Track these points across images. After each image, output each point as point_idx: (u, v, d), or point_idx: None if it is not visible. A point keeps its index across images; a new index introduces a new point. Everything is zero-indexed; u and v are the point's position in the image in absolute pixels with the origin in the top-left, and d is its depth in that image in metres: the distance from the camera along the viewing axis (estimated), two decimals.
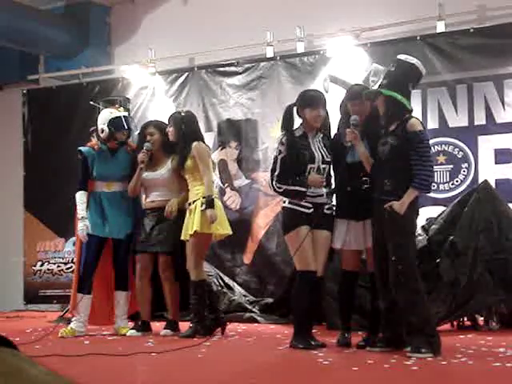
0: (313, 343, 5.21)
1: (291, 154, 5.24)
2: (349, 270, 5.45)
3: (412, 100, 7.43)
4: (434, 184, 5.09)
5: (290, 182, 5.23)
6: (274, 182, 5.29)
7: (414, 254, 5.02)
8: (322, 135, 5.39)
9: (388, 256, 4.89)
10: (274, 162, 5.33)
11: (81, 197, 6.48)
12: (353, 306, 5.54)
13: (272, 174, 5.31)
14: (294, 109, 5.43)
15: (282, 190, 5.28)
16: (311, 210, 5.23)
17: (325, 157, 5.31)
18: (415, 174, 4.87)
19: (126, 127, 6.55)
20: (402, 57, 5.11)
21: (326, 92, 6.10)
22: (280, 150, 5.29)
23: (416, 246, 5.23)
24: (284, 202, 5.37)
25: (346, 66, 7.93)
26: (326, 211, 5.30)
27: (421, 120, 5.38)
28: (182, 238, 6.09)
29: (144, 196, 6.61)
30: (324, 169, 5.32)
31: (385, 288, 5.04)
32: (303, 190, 5.20)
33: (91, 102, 7.31)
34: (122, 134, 6.52)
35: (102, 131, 6.47)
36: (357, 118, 5.23)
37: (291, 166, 5.25)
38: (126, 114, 6.72)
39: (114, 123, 6.47)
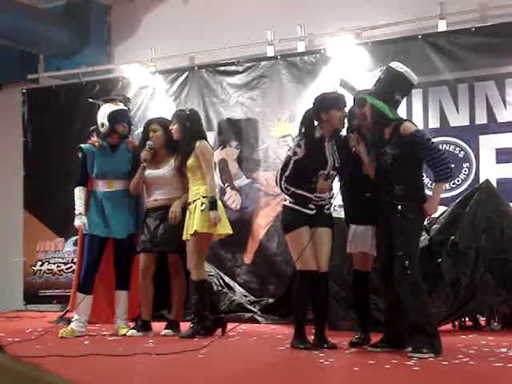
0: (325, 346, 5.18)
1: (309, 158, 5.19)
2: (360, 269, 5.46)
3: (413, 99, 7.49)
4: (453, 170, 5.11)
5: (298, 186, 5.19)
6: (282, 182, 5.21)
7: (418, 253, 5.03)
8: (334, 140, 5.35)
9: (392, 256, 4.87)
10: (287, 162, 5.22)
11: (79, 192, 6.44)
12: (367, 305, 5.54)
13: (282, 174, 5.22)
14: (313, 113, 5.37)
15: (289, 192, 5.23)
16: (314, 211, 5.22)
17: (335, 163, 5.28)
18: (433, 169, 4.89)
19: (126, 119, 6.53)
20: (393, 64, 5.04)
21: None
22: (295, 152, 5.20)
23: (418, 248, 5.21)
24: (285, 201, 5.34)
25: (347, 65, 7.92)
26: (325, 211, 5.30)
27: (412, 121, 5.34)
28: (184, 238, 6.07)
29: (146, 195, 6.55)
30: (332, 175, 5.31)
31: (386, 289, 5.03)
32: (310, 196, 5.19)
33: (90, 99, 7.29)
34: (122, 127, 6.47)
35: (103, 125, 6.43)
36: (357, 124, 5.23)
37: (303, 170, 5.21)
38: (125, 107, 6.70)
39: (114, 116, 6.43)
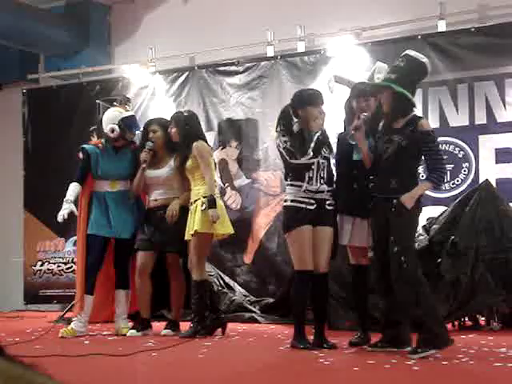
0: (325, 346, 5.18)
1: (294, 140, 5.20)
2: (358, 264, 5.46)
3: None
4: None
5: (307, 145, 5.14)
6: (303, 160, 5.13)
7: (414, 247, 5.02)
8: (316, 132, 5.35)
9: (389, 253, 4.85)
10: (289, 151, 5.16)
11: (74, 187, 6.40)
12: (366, 302, 5.54)
13: (296, 160, 5.16)
14: (291, 110, 5.37)
15: (312, 154, 5.13)
16: (314, 206, 5.21)
17: (322, 153, 5.29)
18: (433, 168, 4.87)
19: (136, 127, 6.54)
20: (411, 53, 4.98)
21: (331, 92, 6.14)
22: (285, 141, 5.20)
23: (415, 243, 5.17)
24: (285, 201, 5.33)
25: (347, 65, 7.92)
26: (327, 207, 5.29)
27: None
28: (186, 238, 6.08)
29: (147, 195, 6.54)
30: (323, 164, 5.29)
31: (386, 288, 5.01)
32: (319, 133, 5.18)
33: (97, 101, 7.30)
34: (131, 134, 6.51)
35: (113, 131, 6.41)
36: (369, 116, 5.17)
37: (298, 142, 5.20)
38: (133, 113, 6.70)
39: (125, 123, 6.44)
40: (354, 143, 5.27)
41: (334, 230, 5.33)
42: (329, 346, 5.19)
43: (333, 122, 6.22)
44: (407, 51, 5.04)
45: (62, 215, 6.31)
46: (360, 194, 5.25)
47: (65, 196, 6.40)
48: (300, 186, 5.21)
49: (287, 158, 5.21)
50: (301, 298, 5.29)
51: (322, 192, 5.25)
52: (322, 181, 5.24)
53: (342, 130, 5.66)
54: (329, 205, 5.29)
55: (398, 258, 4.78)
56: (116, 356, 4.90)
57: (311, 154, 5.14)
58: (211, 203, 5.95)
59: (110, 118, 6.48)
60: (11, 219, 10.14)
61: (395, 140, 4.89)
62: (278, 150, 5.34)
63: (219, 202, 6.16)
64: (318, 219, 5.21)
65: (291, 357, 5.01)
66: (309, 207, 5.20)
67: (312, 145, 5.15)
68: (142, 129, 6.71)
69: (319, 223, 5.22)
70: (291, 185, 5.26)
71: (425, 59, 4.98)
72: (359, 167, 5.25)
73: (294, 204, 5.23)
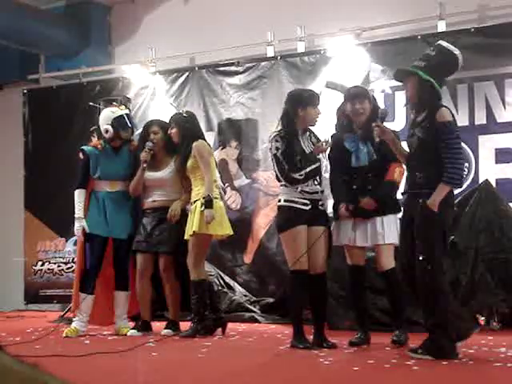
0: (325, 345, 5.19)
1: (289, 150, 5.22)
2: (355, 264, 5.45)
3: None
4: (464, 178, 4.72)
5: (303, 166, 5.17)
6: (291, 175, 5.17)
7: (441, 253, 4.69)
8: (309, 133, 5.38)
9: (414, 253, 4.71)
10: (277, 160, 5.22)
11: (79, 195, 6.44)
12: (365, 302, 5.53)
13: (283, 171, 5.19)
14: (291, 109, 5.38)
15: (303, 177, 5.18)
16: (309, 206, 5.23)
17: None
18: (446, 168, 4.57)
19: (130, 125, 6.55)
20: (443, 43, 4.81)
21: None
22: (277, 147, 5.24)
23: (444, 244, 4.73)
24: (279, 201, 5.34)
25: (347, 65, 7.93)
26: (320, 207, 5.31)
27: (449, 109, 4.84)
28: (185, 237, 6.09)
29: (144, 196, 6.54)
30: (315, 164, 5.32)
31: (409, 289, 4.93)
32: (317, 164, 5.24)
33: (91, 104, 7.32)
34: (126, 133, 6.51)
35: (107, 131, 6.43)
36: (386, 111, 5.16)
37: (293, 157, 5.21)
38: (128, 111, 6.71)
39: (118, 122, 6.44)
40: (353, 150, 5.30)
41: (328, 230, 5.35)
42: (328, 346, 5.20)
43: (324, 126, 6.23)
44: (439, 41, 4.89)
45: (79, 237, 6.48)
46: (359, 195, 5.27)
47: (67, 199, 6.45)
48: (296, 187, 5.24)
49: (276, 168, 5.25)
50: (298, 297, 5.31)
51: (316, 193, 5.28)
52: (315, 182, 5.28)
53: (333, 134, 5.66)
54: (321, 205, 5.32)
55: (422, 266, 4.62)
56: (116, 356, 4.90)
57: (303, 176, 5.19)
58: (207, 204, 5.96)
59: (104, 119, 6.50)
60: (11, 219, 10.15)
61: (416, 134, 4.77)
62: (270, 151, 5.38)
63: (219, 203, 6.17)
64: (314, 219, 5.23)
65: (291, 357, 5.01)
66: (304, 208, 5.22)
67: (308, 170, 5.19)
68: (141, 129, 6.72)
69: (314, 223, 5.24)
70: (286, 185, 5.28)
71: (457, 51, 4.75)
72: (358, 172, 5.28)
73: (289, 204, 5.25)
